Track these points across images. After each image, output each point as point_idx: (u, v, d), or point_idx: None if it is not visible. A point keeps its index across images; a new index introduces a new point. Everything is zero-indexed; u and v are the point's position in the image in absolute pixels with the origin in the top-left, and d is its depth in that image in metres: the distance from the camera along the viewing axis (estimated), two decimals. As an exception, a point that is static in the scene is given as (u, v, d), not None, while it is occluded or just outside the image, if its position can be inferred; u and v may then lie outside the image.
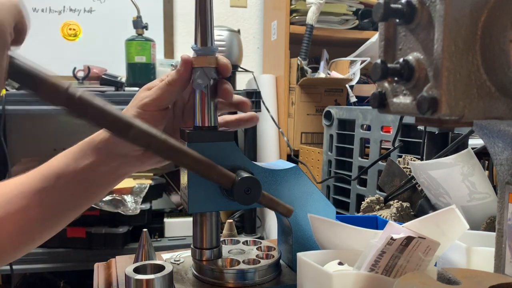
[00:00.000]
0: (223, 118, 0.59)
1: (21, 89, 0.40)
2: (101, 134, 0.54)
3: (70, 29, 2.01)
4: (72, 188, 0.53)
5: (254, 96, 1.72)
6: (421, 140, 0.92)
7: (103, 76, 1.66)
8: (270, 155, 1.93)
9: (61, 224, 0.56)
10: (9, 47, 0.37)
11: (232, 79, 1.88)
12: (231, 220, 0.69)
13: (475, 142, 0.84)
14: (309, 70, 1.86)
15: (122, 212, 1.48)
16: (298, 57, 1.83)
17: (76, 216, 0.56)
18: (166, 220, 1.69)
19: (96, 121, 0.44)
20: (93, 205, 1.29)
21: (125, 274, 0.50)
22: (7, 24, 0.36)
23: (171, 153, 0.46)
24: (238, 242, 0.64)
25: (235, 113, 0.60)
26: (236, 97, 0.56)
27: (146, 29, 1.78)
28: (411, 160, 0.86)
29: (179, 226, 1.68)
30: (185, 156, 0.47)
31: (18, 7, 0.38)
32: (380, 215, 0.77)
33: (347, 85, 1.83)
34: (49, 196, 0.52)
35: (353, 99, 1.81)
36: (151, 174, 1.72)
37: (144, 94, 0.54)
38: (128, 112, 0.54)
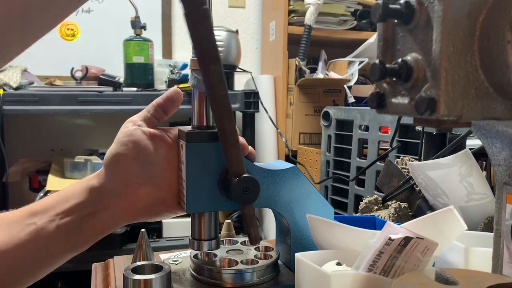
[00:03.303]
0: None
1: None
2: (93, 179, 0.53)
3: (68, 29, 2.00)
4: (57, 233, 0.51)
5: (252, 97, 1.72)
6: (419, 141, 0.93)
7: (101, 76, 1.66)
8: (268, 156, 1.93)
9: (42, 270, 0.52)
10: None
11: (230, 80, 1.88)
12: (229, 220, 0.69)
13: (473, 142, 0.84)
14: (307, 71, 1.86)
15: (120, 213, 1.48)
16: (297, 58, 1.84)
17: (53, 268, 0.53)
18: (164, 220, 1.69)
19: None
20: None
21: (123, 275, 0.50)
22: None
23: (220, 108, 0.46)
24: (236, 242, 0.64)
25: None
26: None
27: (145, 29, 1.78)
28: (409, 160, 0.87)
29: (177, 227, 1.67)
30: (228, 121, 0.46)
31: None
32: (378, 216, 0.77)
33: (345, 86, 1.84)
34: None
35: (351, 99, 1.81)
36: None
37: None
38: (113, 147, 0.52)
